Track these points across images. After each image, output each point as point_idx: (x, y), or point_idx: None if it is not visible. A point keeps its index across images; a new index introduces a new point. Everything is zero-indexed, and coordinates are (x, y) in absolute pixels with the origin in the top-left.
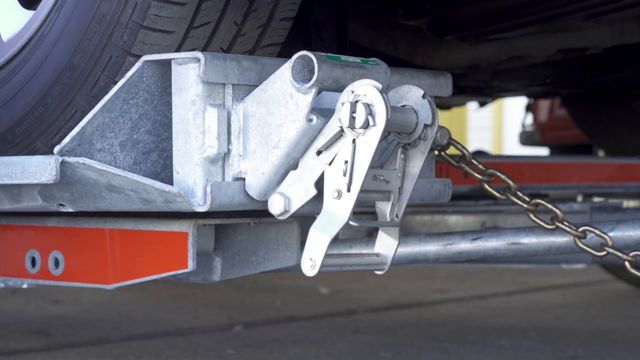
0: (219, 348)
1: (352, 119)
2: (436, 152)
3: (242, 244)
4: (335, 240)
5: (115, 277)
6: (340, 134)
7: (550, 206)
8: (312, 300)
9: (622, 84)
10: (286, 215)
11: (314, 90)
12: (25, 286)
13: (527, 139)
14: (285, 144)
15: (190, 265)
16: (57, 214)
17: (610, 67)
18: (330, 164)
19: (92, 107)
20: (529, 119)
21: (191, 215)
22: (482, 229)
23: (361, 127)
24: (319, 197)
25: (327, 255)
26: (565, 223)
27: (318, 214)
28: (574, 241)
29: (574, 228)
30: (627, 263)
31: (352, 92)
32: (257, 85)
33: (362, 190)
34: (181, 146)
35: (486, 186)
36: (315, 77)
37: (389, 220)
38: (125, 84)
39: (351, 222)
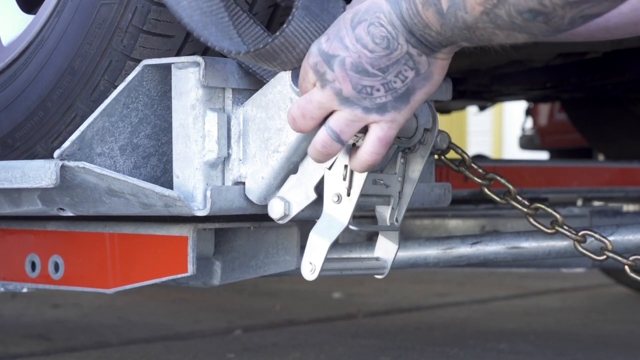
0: (219, 352)
1: None
2: (436, 156)
3: (242, 248)
4: (335, 245)
5: (115, 281)
6: None
7: (550, 210)
8: (312, 304)
9: (622, 88)
10: (286, 220)
11: None
12: (25, 290)
13: (527, 143)
14: (285, 148)
15: (190, 269)
16: (57, 218)
17: (610, 72)
18: (330, 168)
19: (92, 111)
20: (529, 123)
21: (191, 220)
22: (482, 233)
23: (361, 132)
24: (318, 202)
25: (327, 260)
26: (565, 227)
27: (318, 218)
28: (573, 245)
29: (574, 232)
30: (627, 267)
31: None
32: (257, 90)
33: (362, 195)
34: (181, 150)
35: (486, 190)
36: None
37: (388, 224)
38: (125, 88)
39: (351, 227)
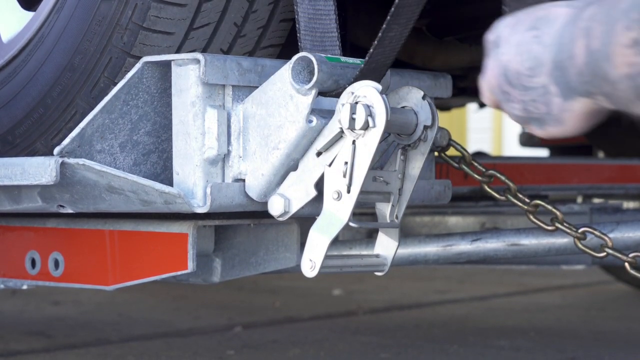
0: (219, 349)
1: (352, 120)
2: (436, 153)
3: (242, 245)
4: (335, 242)
5: (115, 278)
6: (340, 135)
7: (550, 207)
8: (312, 301)
9: None
10: (286, 217)
11: (313, 92)
12: (25, 287)
13: (527, 140)
14: (285, 145)
15: (190, 266)
16: (57, 215)
17: None
18: (330, 165)
19: (92, 108)
20: None
21: (191, 217)
22: (482, 230)
23: (361, 129)
24: (319, 199)
25: (327, 257)
26: (565, 224)
27: (318, 215)
28: (573, 242)
29: (574, 229)
30: (627, 264)
31: (352, 93)
32: (257, 87)
33: (362, 192)
34: (181, 147)
35: (486, 187)
36: (315, 79)
37: (388, 221)
38: (125, 85)
39: (351, 223)
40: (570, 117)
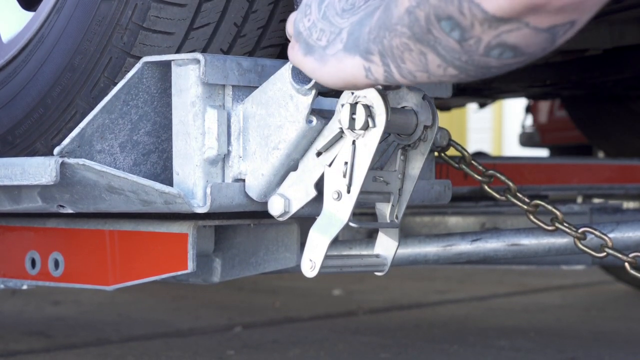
0: (219, 349)
1: (352, 120)
2: (436, 154)
3: (242, 245)
4: (335, 242)
5: (115, 278)
6: (340, 135)
7: (550, 207)
8: (312, 301)
9: (622, 86)
10: (286, 217)
11: (313, 92)
12: (25, 287)
13: (527, 140)
14: (285, 146)
15: (190, 266)
16: (57, 215)
17: (610, 69)
18: (330, 165)
19: (92, 108)
20: (529, 120)
21: (191, 217)
22: (482, 230)
23: (361, 129)
24: (319, 199)
25: (326, 257)
26: (565, 224)
27: (318, 215)
28: (573, 242)
29: (574, 229)
30: (627, 264)
31: (352, 93)
32: (257, 87)
33: (362, 192)
34: (181, 147)
35: (486, 187)
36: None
37: (388, 221)
38: (125, 85)
39: (351, 224)
40: (334, 65)
